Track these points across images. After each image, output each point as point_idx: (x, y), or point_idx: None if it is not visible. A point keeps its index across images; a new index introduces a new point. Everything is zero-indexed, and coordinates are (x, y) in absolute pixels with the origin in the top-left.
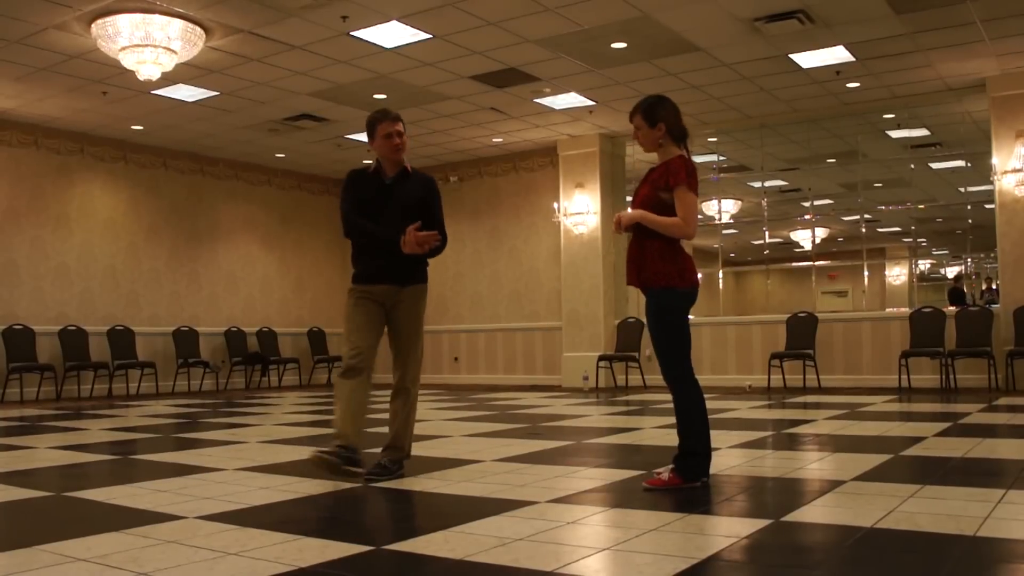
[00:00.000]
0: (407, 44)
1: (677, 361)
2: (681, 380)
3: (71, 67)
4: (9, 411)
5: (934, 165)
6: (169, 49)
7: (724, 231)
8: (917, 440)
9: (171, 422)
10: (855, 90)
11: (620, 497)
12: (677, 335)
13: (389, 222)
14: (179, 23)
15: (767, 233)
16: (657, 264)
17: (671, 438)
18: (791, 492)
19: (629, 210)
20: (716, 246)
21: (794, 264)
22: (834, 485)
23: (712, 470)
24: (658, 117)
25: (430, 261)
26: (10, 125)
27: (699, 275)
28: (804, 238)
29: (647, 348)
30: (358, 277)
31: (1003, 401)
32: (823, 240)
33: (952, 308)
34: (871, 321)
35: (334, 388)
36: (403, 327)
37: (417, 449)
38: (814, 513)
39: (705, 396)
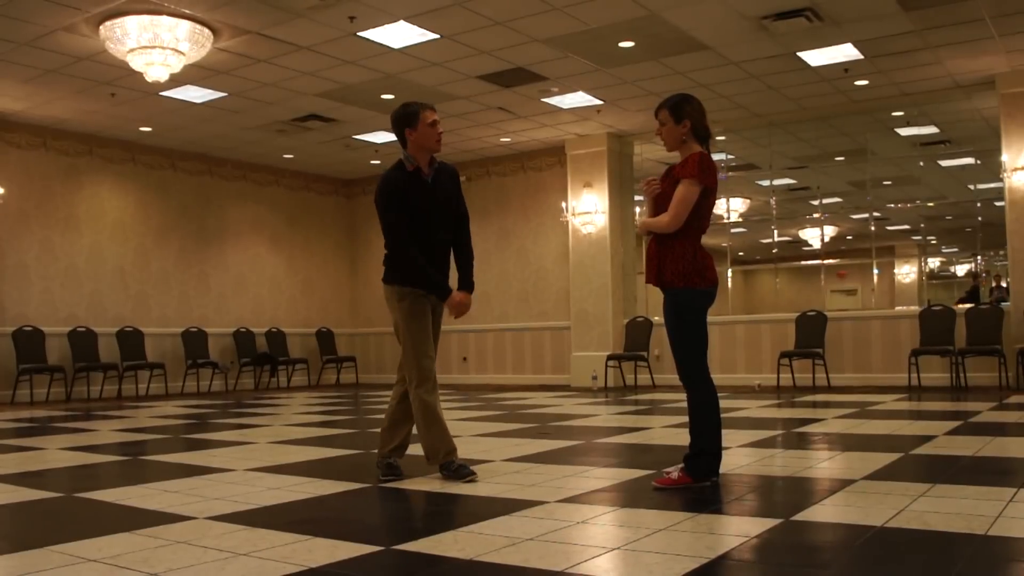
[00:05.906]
0: (415, 44)
1: (693, 360)
2: (696, 379)
3: (79, 69)
4: (19, 412)
5: (943, 163)
6: (177, 50)
7: (732, 230)
8: (927, 439)
9: (180, 423)
10: (864, 88)
11: (630, 497)
12: (695, 334)
13: (439, 226)
14: (187, 24)
15: (776, 232)
16: (678, 264)
17: (680, 437)
18: (801, 491)
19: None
20: (724, 245)
21: (803, 263)
22: (844, 484)
23: (722, 469)
24: (684, 113)
25: None
26: (19, 127)
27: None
28: (813, 236)
29: (656, 347)
30: (414, 282)
31: (1014, 399)
32: (832, 238)
33: (962, 306)
34: (880, 319)
35: (421, 406)
36: (436, 331)
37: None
38: (824, 512)
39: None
